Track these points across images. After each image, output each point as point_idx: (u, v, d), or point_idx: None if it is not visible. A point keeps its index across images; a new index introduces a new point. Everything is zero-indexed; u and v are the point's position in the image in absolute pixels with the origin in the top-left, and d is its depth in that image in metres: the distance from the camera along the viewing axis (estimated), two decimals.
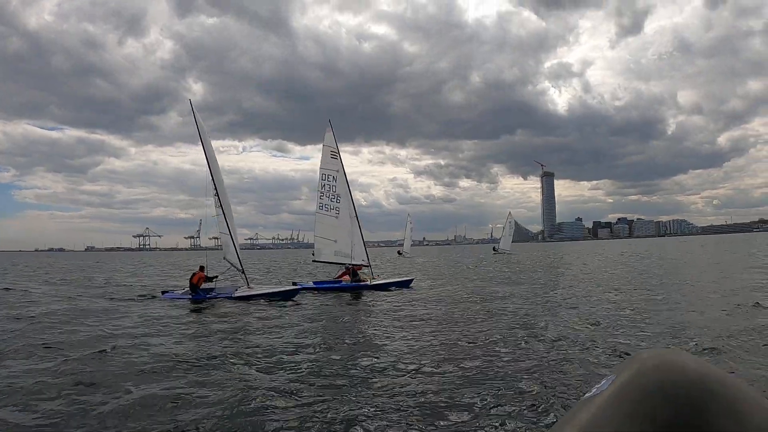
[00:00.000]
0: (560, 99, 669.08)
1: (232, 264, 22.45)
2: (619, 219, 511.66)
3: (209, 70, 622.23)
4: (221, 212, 22.83)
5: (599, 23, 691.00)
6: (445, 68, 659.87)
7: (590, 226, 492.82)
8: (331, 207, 26.52)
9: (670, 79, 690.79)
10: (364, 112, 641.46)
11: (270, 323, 15.16)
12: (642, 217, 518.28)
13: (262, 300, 20.52)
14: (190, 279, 21.71)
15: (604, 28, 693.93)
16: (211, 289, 21.60)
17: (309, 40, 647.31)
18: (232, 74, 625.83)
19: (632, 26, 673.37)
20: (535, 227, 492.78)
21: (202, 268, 21.72)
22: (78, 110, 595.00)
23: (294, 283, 24.45)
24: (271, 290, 22.18)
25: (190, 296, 21.20)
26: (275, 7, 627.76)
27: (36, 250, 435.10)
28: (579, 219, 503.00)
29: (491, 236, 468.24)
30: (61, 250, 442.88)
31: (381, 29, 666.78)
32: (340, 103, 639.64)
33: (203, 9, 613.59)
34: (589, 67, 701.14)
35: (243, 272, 22.18)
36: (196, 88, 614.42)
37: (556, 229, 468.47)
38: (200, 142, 23.12)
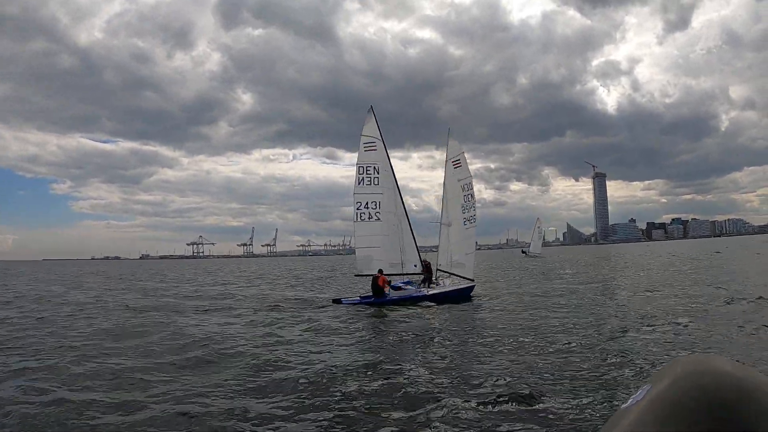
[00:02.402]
0: (609, 98, 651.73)
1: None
2: (673, 219, 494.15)
3: (257, 81, 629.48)
4: (390, 221, 24.07)
5: (645, 19, 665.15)
6: (492, 71, 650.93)
7: (644, 228, 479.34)
8: (473, 219, 25.25)
9: (720, 73, 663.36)
10: (412, 118, 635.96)
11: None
12: (697, 216, 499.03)
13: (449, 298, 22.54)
14: (375, 282, 22.34)
15: (650, 24, 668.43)
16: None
17: (354, 48, 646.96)
18: (280, 84, 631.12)
19: (679, 21, 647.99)
20: (588, 229, 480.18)
21: (381, 272, 22.78)
22: (130, 123, 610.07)
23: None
24: (454, 288, 23.65)
25: (372, 300, 22.15)
26: (320, 17, 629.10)
27: (92, 258, 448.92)
28: (632, 220, 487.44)
29: (543, 239, 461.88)
30: (116, 258, 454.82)
31: (426, 34, 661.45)
32: (388, 108, 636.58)
33: (249, 21, 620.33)
34: (637, 65, 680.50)
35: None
36: (246, 99, 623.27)
37: (609, 231, 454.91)
38: (383, 147, 24.79)
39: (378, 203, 23.97)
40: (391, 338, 14.93)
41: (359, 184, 24.05)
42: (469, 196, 24.99)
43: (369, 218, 23.85)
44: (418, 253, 24.60)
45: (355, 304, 22.19)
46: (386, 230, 23.98)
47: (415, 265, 24.43)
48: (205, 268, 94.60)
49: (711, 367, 0.71)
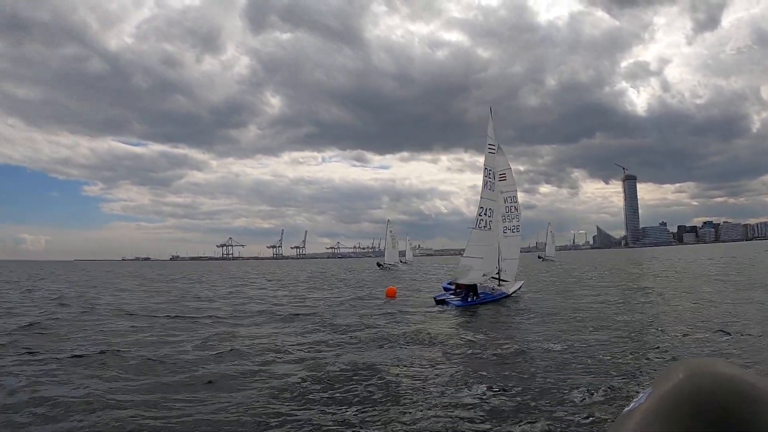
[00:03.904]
0: (639, 99, 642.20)
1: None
2: (704, 223, 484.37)
3: (285, 84, 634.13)
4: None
5: (674, 19, 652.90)
6: (519, 72, 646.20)
7: (675, 231, 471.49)
8: (515, 229, 26.45)
9: (751, 73, 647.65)
10: (440, 120, 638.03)
11: None
12: (729, 220, 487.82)
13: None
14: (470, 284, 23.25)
15: (679, 24, 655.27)
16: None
17: (382, 51, 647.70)
18: (308, 87, 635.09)
19: (708, 21, 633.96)
20: (619, 233, 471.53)
21: None
22: (159, 126, 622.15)
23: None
24: (517, 287, 25.25)
25: (475, 301, 22.71)
26: (347, 20, 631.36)
27: (123, 259, 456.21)
28: (663, 223, 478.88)
29: (573, 242, 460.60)
30: (147, 259, 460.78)
31: (453, 36, 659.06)
32: (416, 111, 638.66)
33: (277, 25, 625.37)
34: (667, 65, 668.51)
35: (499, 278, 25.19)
36: (274, 102, 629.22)
37: (639, 234, 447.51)
38: (490, 151, 24.60)
39: (492, 211, 23.94)
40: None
41: (484, 187, 23.66)
42: (513, 207, 25.91)
43: (484, 226, 23.58)
44: (499, 260, 24.78)
45: (462, 306, 22.02)
46: (493, 240, 24.11)
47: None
48: (253, 270, 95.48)
49: (713, 370, 0.71)
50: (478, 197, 24.54)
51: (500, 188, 25.82)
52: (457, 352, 12.68)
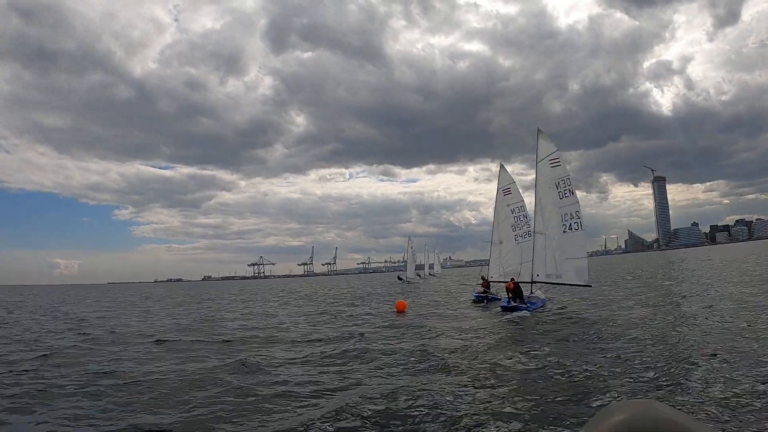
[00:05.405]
0: (663, 99, 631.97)
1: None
2: (737, 221, 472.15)
3: (309, 102, 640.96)
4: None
5: (694, 16, 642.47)
6: (542, 79, 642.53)
7: (707, 231, 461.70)
8: (525, 235, 28.11)
9: None
10: (465, 131, 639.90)
11: None
12: (762, 217, 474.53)
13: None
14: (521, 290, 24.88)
15: (699, 21, 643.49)
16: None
17: (403, 65, 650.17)
18: (332, 104, 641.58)
19: (728, 15, 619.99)
20: (651, 235, 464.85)
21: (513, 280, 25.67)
22: (187, 148, 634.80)
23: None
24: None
25: (531, 307, 23.86)
26: (367, 36, 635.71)
27: (155, 281, 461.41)
28: (695, 224, 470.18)
29: (605, 248, 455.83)
30: (179, 280, 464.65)
31: (474, 46, 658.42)
32: (441, 123, 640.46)
33: (297, 44, 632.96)
34: (689, 63, 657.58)
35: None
36: (299, 120, 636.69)
37: (671, 236, 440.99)
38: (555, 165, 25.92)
39: (580, 214, 24.70)
40: None
41: (561, 198, 24.99)
42: (521, 216, 27.71)
43: (573, 229, 24.56)
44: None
45: (528, 309, 23.18)
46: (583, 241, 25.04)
47: (538, 274, 25.87)
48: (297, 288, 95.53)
49: (645, 414, 0.70)
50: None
51: (506, 202, 27.67)
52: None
